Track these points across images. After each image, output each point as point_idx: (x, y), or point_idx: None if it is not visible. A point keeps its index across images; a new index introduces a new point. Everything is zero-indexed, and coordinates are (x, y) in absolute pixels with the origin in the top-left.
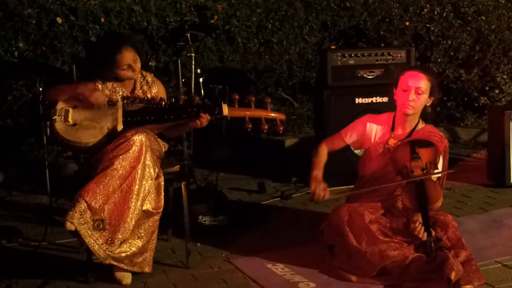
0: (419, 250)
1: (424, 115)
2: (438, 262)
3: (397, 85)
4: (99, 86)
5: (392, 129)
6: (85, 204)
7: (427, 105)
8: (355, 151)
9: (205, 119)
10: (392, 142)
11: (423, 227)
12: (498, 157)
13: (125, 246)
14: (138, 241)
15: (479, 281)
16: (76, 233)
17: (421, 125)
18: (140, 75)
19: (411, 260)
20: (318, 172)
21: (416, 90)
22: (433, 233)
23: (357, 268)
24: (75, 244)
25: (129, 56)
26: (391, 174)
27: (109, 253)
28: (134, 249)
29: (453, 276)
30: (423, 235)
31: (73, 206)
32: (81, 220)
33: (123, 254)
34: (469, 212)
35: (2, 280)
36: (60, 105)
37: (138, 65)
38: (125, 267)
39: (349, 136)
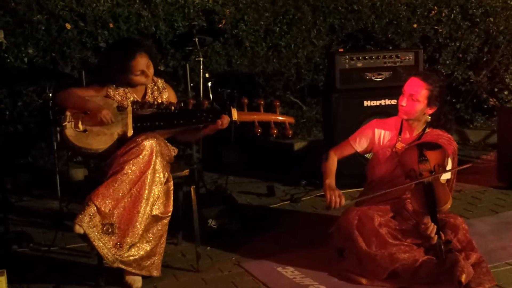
0: (429, 253)
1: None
2: (448, 265)
3: None
4: (111, 92)
5: (400, 133)
6: (95, 208)
7: (427, 113)
8: (365, 154)
9: (226, 119)
10: (399, 145)
11: (435, 226)
12: (508, 158)
13: (133, 250)
14: (147, 245)
15: (490, 283)
16: (84, 236)
17: (428, 130)
18: (151, 80)
19: (421, 262)
20: (330, 180)
21: (410, 96)
22: (443, 236)
23: (367, 271)
24: (86, 248)
25: (142, 62)
26: (399, 177)
27: (117, 257)
28: (142, 253)
29: (463, 278)
30: (434, 237)
31: (82, 209)
32: (90, 223)
33: (131, 258)
34: (479, 214)
35: (14, 285)
36: (70, 111)
37: (151, 71)
38: (133, 271)
39: (358, 142)
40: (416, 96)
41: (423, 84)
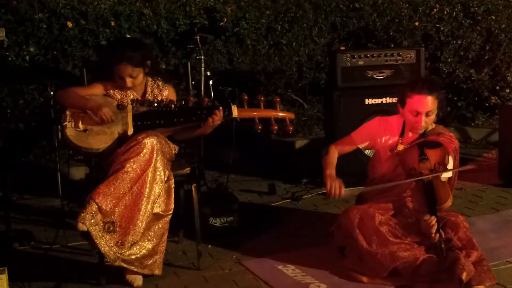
0: (429, 251)
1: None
2: (449, 263)
3: (404, 105)
4: (111, 90)
5: (402, 134)
6: (96, 206)
7: None
8: (366, 152)
9: (218, 116)
10: (401, 147)
11: (436, 223)
12: (509, 156)
13: (135, 249)
14: (148, 243)
15: (491, 281)
16: (87, 234)
17: (431, 127)
18: (151, 79)
19: (422, 261)
20: (331, 170)
21: (427, 114)
22: (443, 234)
23: (368, 269)
24: (87, 246)
25: (123, 70)
26: (401, 176)
27: (119, 255)
28: (144, 251)
29: (464, 276)
30: (435, 235)
31: (84, 208)
32: (92, 221)
33: (133, 257)
34: (480, 212)
35: (15, 283)
36: (70, 111)
37: (138, 77)
38: (136, 270)
39: (360, 138)
40: (431, 111)
41: (431, 96)
